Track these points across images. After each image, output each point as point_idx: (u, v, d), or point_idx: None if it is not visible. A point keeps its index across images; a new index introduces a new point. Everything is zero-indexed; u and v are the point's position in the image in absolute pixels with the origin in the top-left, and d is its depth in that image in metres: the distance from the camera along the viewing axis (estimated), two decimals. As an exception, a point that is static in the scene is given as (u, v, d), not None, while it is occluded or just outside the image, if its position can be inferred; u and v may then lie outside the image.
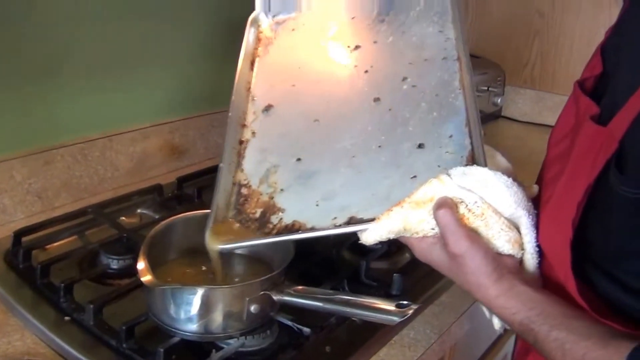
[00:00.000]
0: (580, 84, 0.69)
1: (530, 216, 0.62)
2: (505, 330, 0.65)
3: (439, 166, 0.69)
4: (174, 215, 0.87)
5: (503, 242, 0.62)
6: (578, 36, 1.67)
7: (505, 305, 0.59)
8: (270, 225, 0.68)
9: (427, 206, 0.61)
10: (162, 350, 0.70)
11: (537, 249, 0.62)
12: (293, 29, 0.91)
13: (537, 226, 0.63)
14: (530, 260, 0.62)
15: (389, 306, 0.63)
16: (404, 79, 0.81)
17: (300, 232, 0.66)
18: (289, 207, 0.70)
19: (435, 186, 0.61)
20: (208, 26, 1.28)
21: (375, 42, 0.87)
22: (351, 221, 0.67)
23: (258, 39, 0.90)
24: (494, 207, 0.61)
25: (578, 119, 0.66)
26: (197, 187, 1.14)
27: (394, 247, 1.03)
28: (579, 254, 0.59)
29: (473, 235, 0.60)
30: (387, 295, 0.89)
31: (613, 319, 0.56)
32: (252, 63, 0.88)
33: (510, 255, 0.62)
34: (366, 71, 0.84)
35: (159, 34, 1.19)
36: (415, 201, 0.62)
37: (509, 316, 0.59)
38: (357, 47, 0.87)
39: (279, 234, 0.68)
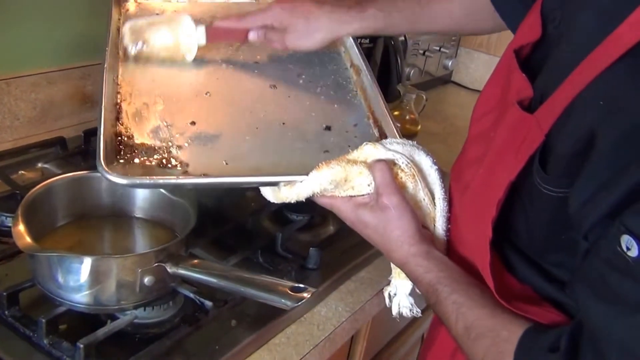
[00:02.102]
0: (517, 52, 0.65)
1: (445, 200, 0.68)
2: (401, 316, 0.69)
3: (349, 146, 0.73)
4: (79, 171, 0.84)
5: (423, 216, 0.68)
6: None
7: (421, 264, 0.63)
8: (174, 178, 0.67)
9: (363, 163, 0.66)
10: (43, 320, 0.68)
11: (445, 229, 0.68)
12: (158, 13, 0.95)
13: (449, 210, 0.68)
14: (440, 237, 0.68)
15: (284, 288, 0.62)
16: (299, 75, 0.88)
17: (224, 176, 0.67)
18: (193, 162, 0.69)
19: (369, 149, 0.66)
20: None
21: None
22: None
23: (120, 14, 0.92)
24: (422, 173, 0.67)
25: (507, 96, 0.63)
26: (106, 141, 1.10)
27: (319, 218, 1.02)
28: (500, 235, 0.60)
29: (404, 193, 0.65)
30: (302, 268, 0.89)
31: (519, 304, 0.58)
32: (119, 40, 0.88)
33: (426, 228, 0.68)
34: (256, 62, 0.89)
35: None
36: (351, 160, 0.66)
37: (420, 274, 0.63)
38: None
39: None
